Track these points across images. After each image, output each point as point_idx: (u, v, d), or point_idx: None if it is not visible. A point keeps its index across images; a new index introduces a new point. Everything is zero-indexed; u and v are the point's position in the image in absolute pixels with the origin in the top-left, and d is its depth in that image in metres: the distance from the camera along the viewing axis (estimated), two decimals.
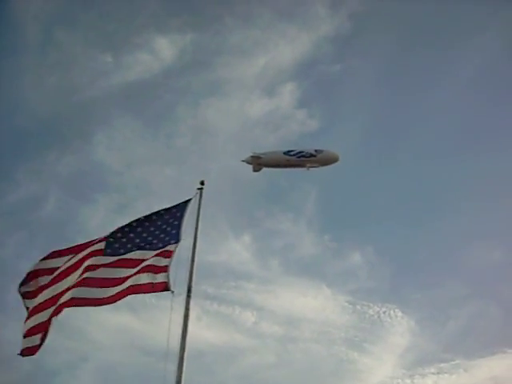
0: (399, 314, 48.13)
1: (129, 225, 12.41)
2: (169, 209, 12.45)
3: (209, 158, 54.30)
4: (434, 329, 48.83)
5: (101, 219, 47.79)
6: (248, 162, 37.99)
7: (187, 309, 11.48)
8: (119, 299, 11.49)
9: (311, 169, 37.70)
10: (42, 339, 11.51)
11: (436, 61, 61.85)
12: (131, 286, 11.54)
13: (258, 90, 58.34)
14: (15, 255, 37.83)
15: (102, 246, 12.21)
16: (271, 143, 55.13)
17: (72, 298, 11.59)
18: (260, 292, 50.71)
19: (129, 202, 50.82)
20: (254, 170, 37.88)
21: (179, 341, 11.16)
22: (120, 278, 11.57)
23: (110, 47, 58.32)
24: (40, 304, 11.88)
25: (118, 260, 11.95)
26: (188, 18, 59.26)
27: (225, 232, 45.50)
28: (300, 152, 38.06)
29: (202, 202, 12.52)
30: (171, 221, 12.23)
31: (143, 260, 11.79)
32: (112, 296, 11.51)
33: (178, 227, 12.15)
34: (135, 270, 11.69)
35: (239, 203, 50.03)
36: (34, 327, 11.59)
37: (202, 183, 12.67)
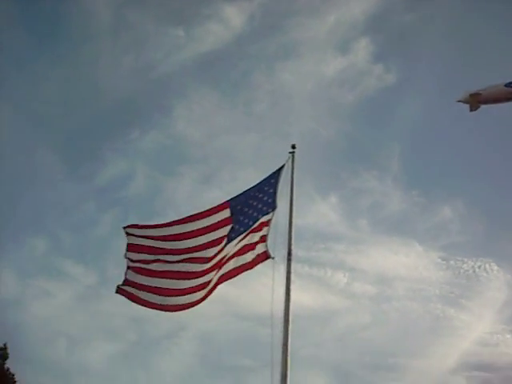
0: (495, 267, 46.10)
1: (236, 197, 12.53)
2: (263, 180, 12.55)
3: (288, 122, 51.53)
4: None
5: (188, 191, 49.65)
6: (465, 102, 34.93)
7: (289, 272, 11.62)
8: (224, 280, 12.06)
9: None
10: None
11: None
12: (233, 268, 11.99)
13: (331, 48, 54.21)
14: (112, 232, 39.76)
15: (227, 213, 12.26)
16: (349, 101, 54.22)
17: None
18: (350, 252, 50.18)
19: (213, 172, 52.94)
20: (471, 110, 34.60)
21: (283, 303, 11.42)
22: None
23: (181, 21, 57.65)
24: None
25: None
26: None
27: (311, 195, 44.23)
28: None
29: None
30: (266, 189, 12.39)
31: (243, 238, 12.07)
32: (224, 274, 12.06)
33: (274, 195, 12.28)
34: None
35: (322, 165, 47.66)
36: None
37: (294, 147, 12.47)
